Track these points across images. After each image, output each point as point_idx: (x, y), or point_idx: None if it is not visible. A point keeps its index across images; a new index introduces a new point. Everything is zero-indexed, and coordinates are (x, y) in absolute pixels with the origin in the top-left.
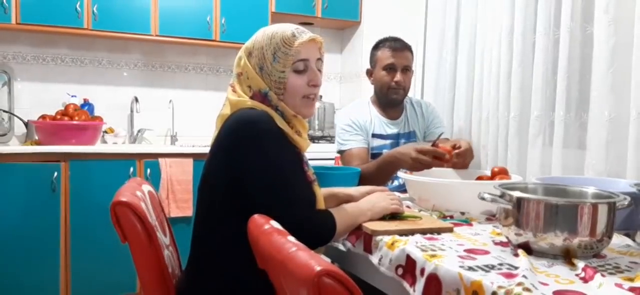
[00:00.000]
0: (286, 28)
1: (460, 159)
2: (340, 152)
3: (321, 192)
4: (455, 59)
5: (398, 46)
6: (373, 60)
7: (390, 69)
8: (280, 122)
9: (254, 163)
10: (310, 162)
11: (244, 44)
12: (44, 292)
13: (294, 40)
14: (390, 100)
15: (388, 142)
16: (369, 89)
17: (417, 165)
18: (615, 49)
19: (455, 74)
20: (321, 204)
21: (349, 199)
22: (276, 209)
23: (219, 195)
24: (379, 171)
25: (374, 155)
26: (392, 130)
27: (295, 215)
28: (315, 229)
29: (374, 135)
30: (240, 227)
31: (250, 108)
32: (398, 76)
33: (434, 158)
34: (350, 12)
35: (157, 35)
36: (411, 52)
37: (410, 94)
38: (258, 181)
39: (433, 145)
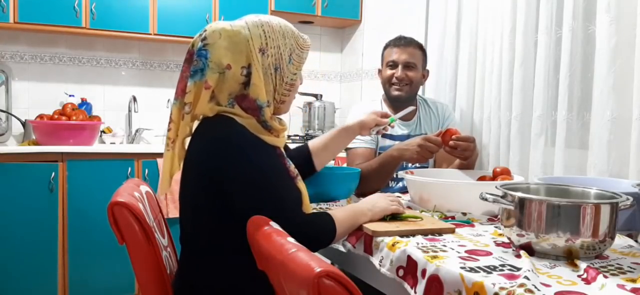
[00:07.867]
0: (290, 26)
1: (459, 150)
2: (346, 149)
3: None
4: (456, 58)
5: (402, 43)
6: (382, 58)
7: (392, 65)
8: (254, 129)
9: (241, 178)
10: None
11: None
12: (41, 292)
13: (304, 43)
14: (391, 97)
15: (397, 142)
16: (369, 88)
17: (423, 152)
18: (617, 49)
19: (456, 73)
20: (306, 200)
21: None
22: (272, 217)
23: (206, 211)
24: (381, 167)
25: None
26: (402, 130)
27: (293, 220)
28: (314, 232)
29: (383, 135)
30: (235, 232)
31: (219, 116)
32: (399, 72)
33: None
34: (350, 10)
35: (155, 34)
36: (420, 49)
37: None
38: (248, 196)
39: (438, 134)
